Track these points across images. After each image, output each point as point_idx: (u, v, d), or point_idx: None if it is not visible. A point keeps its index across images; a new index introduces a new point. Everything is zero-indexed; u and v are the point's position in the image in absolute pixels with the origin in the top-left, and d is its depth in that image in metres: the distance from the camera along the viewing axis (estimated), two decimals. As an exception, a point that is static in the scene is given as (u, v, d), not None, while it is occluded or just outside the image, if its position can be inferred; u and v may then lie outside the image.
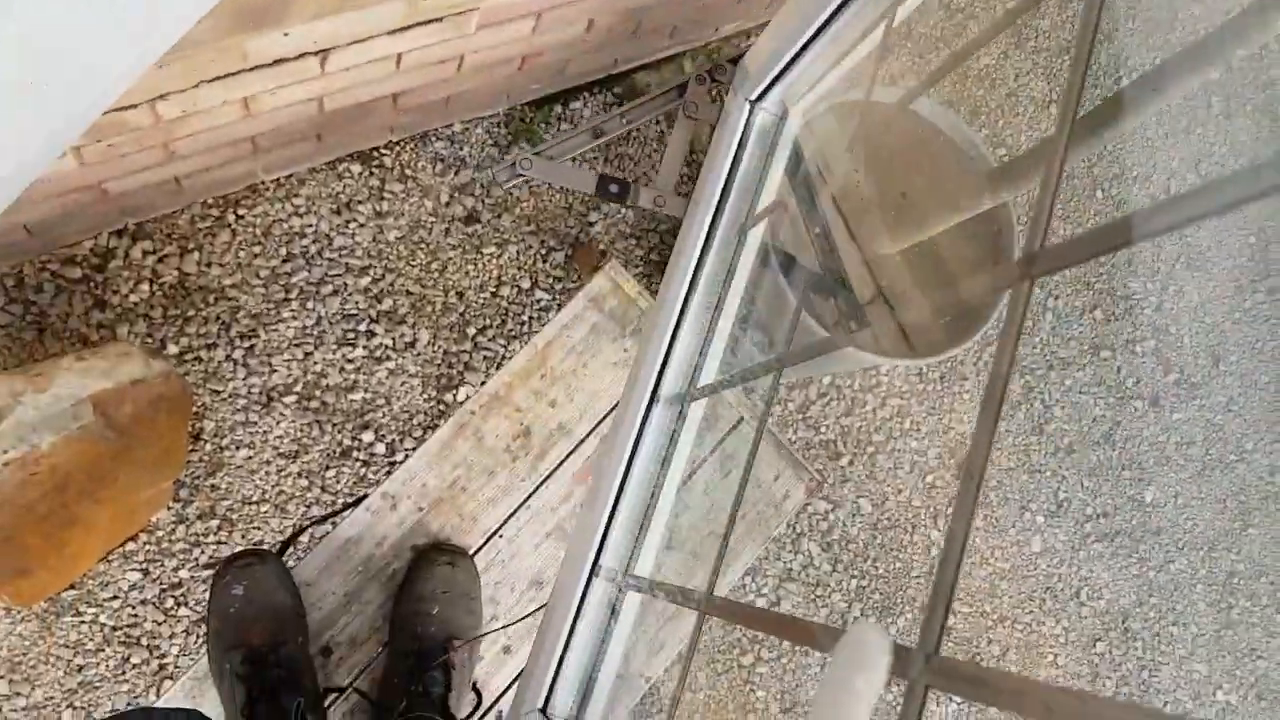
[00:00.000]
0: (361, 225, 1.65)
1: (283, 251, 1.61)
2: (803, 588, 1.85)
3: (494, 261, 1.69)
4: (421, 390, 1.65)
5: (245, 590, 1.09)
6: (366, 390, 1.63)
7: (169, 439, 1.40)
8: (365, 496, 1.21)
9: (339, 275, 1.63)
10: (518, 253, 1.70)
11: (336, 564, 1.15)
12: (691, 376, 0.77)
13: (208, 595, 1.15)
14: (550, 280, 1.72)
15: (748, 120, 0.68)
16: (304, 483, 1.58)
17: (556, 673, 0.72)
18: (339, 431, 1.60)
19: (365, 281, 1.64)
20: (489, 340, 1.69)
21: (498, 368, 1.69)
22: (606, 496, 0.76)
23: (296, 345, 1.60)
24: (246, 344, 1.58)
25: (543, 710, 0.72)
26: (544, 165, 0.78)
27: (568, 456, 1.25)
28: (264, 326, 1.59)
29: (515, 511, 1.24)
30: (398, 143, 1.67)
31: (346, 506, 1.21)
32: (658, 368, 0.76)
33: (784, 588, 1.82)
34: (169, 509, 1.51)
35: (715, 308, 0.78)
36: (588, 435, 1.26)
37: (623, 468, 0.76)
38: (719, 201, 0.70)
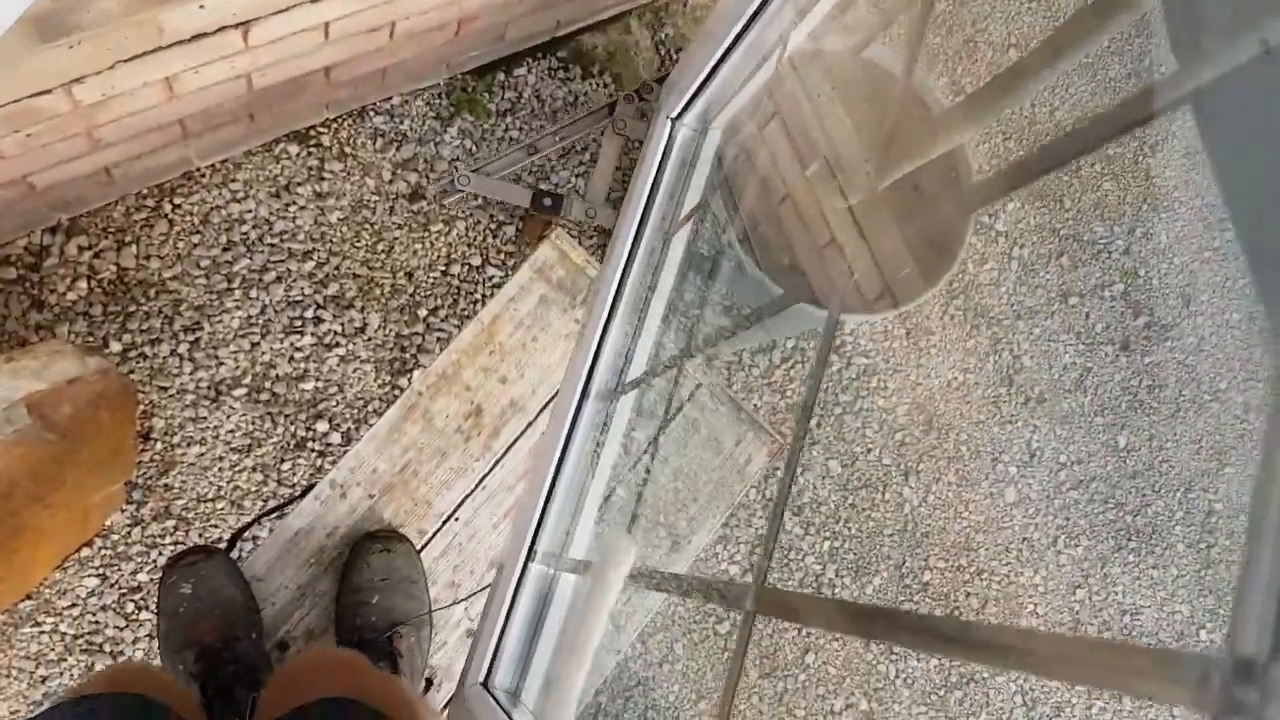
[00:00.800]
0: (302, 208, 1.60)
1: (223, 240, 1.56)
2: (776, 552, 1.82)
3: (442, 239, 1.65)
4: (375, 376, 1.61)
5: (193, 588, 1.05)
6: (318, 379, 1.58)
7: (115, 438, 1.36)
8: (313, 486, 1.17)
9: (282, 261, 1.59)
10: (466, 229, 1.65)
11: (288, 557, 1.11)
12: (621, 371, 0.75)
13: (155, 597, 1.12)
14: (502, 256, 1.68)
15: (670, 136, 0.72)
16: (259, 477, 1.54)
17: (497, 649, 0.71)
18: (292, 423, 1.56)
19: (309, 266, 1.60)
20: (441, 321, 1.65)
21: (449, 347, 1.65)
22: (541, 485, 0.75)
23: (242, 336, 1.56)
24: (191, 337, 1.53)
25: (484, 684, 0.72)
26: (481, 180, 0.80)
27: (521, 434, 1.22)
28: (208, 319, 1.54)
29: (470, 493, 1.20)
30: (335, 120, 1.62)
31: (293, 499, 1.17)
32: (588, 367, 0.77)
33: (755, 553, 1.80)
34: (122, 511, 1.47)
35: (642, 308, 0.79)
36: (541, 410, 1.23)
37: (555, 460, 0.75)
38: (644, 211, 0.73)
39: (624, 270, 0.78)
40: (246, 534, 1.40)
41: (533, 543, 0.74)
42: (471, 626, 1.18)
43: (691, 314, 1.56)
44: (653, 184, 0.76)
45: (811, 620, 0.38)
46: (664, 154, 0.74)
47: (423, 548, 1.17)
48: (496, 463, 1.21)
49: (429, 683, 1.12)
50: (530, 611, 0.72)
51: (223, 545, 1.14)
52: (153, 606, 1.47)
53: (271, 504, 1.52)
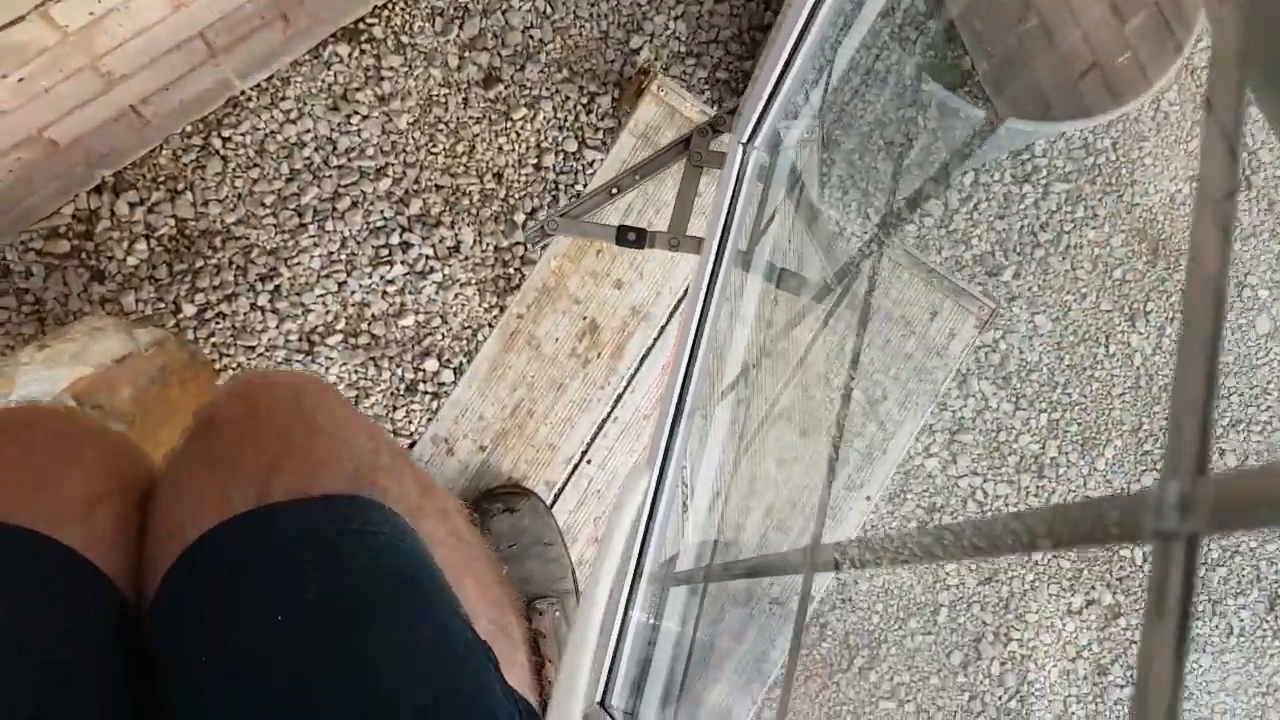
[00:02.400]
0: (365, 118, 1.36)
1: (284, 170, 1.35)
2: (981, 437, 1.53)
3: (528, 127, 1.38)
4: (479, 299, 1.38)
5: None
6: (417, 312, 1.37)
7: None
8: (413, 445, 0.96)
9: (354, 184, 1.36)
10: (554, 109, 1.38)
11: (394, 535, 0.90)
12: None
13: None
14: (600, 134, 1.40)
15: (742, 160, 0.77)
16: (372, 431, 1.36)
17: (611, 668, 0.53)
18: (397, 365, 1.36)
19: (385, 185, 1.37)
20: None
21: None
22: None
23: (326, 276, 1.36)
24: (269, 286, 1.34)
25: (601, 704, 0.55)
26: (569, 224, 0.73)
27: (650, 348, 0.97)
28: (284, 263, 1.35)
29: (600, 428, 0.97)
30: (383, 7, 1.36)
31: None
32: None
33: (957, 442, 1.50)
34: (229, 490, 1.32)
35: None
36: (670, 314, 0.97)
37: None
38: (723, 233, 0.76)
39: (708, 288, 0.64)
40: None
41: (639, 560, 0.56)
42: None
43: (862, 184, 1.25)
44: (729, 206, 0.77)
45: None
46: (737, 178, 0.78)
47: (553, 501, 0.95)
48: (626, 387, 0.97)
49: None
50: (642, 630, 0.55)
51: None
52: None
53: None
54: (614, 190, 0.86)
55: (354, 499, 0.50)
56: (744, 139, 0.77)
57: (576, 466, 0.96)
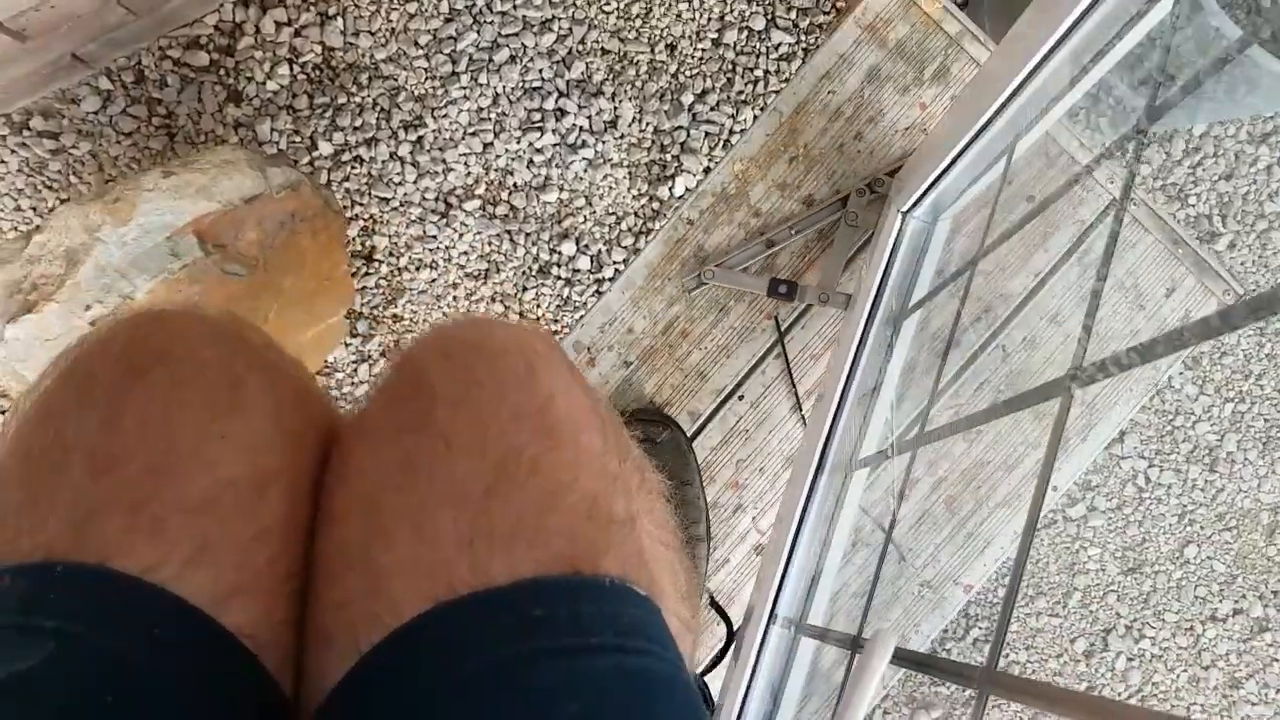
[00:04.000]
0: (537, -39, 1.22)
1: (444, 7, 1.23)
2: (1154, 417, 1.37)
3: (716, -5, 1.22)
4: (629, 184, 1.26)
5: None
6: (562, 188, 1.26)
7: (326, 264, 1.12)
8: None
9: (515, 35, 1.23)
10: (748, -22, 1.22)
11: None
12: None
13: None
14: (793, 15, 1.23)
15: (900, 228, 0.76)
16: (499, 308, 1.27)
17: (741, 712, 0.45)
18: (534, 243, 1.26)
19: (549, 41, 1.24)
20: (712, 110, 1.25)
21: (725, 148, 1.25)
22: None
23: (473, 134, 1.25)
24: (413, 136, 1.24)
25: None
26: (725, 274, 0.62)
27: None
28: (431, 112, 1.24)
29: (759, 361, 0.85)
30: None
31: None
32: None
33: (1131, 418, 1.34)
34: (346, 346, 1.26)
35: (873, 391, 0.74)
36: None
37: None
38: (875, 297, 0.75)
39: (857, 350, 0.61)
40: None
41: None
42: (761, 541, 0.87)
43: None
44: (884, 271, 0.76)
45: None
46: (894, 245, 0.77)
47: (695, 434, 0.85)
48: (796, 320, 0.85)
49: (723, 617, 0.83)
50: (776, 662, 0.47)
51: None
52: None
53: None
54: (771, 243, 0.78)
55: (613, 588, 0.35)
56: (904, 208, 0.76)
57: (726, 400, 0.85)
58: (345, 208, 1.24)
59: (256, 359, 0.42)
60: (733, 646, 0.74)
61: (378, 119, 1.24)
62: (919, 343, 0.79)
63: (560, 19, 1.24)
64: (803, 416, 0.86)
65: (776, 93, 1.14)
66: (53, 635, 0.30)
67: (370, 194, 1.24)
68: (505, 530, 0.35)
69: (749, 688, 0.56)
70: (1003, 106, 0.59)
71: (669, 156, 1.26)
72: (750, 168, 0.84)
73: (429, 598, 0.33)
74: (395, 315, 1.27)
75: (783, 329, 0.86)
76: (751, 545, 0.87)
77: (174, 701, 0.31)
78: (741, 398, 0.86)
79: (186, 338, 0.40)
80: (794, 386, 0.86)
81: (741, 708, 0.52)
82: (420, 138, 1.25)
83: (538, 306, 1.27)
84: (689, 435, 0.86)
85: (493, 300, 1.27)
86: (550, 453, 0.37)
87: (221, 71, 1.21)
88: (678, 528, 0.49)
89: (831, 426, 0.71)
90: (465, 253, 1.26)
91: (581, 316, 0.89)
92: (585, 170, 1.25)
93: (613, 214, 1.26)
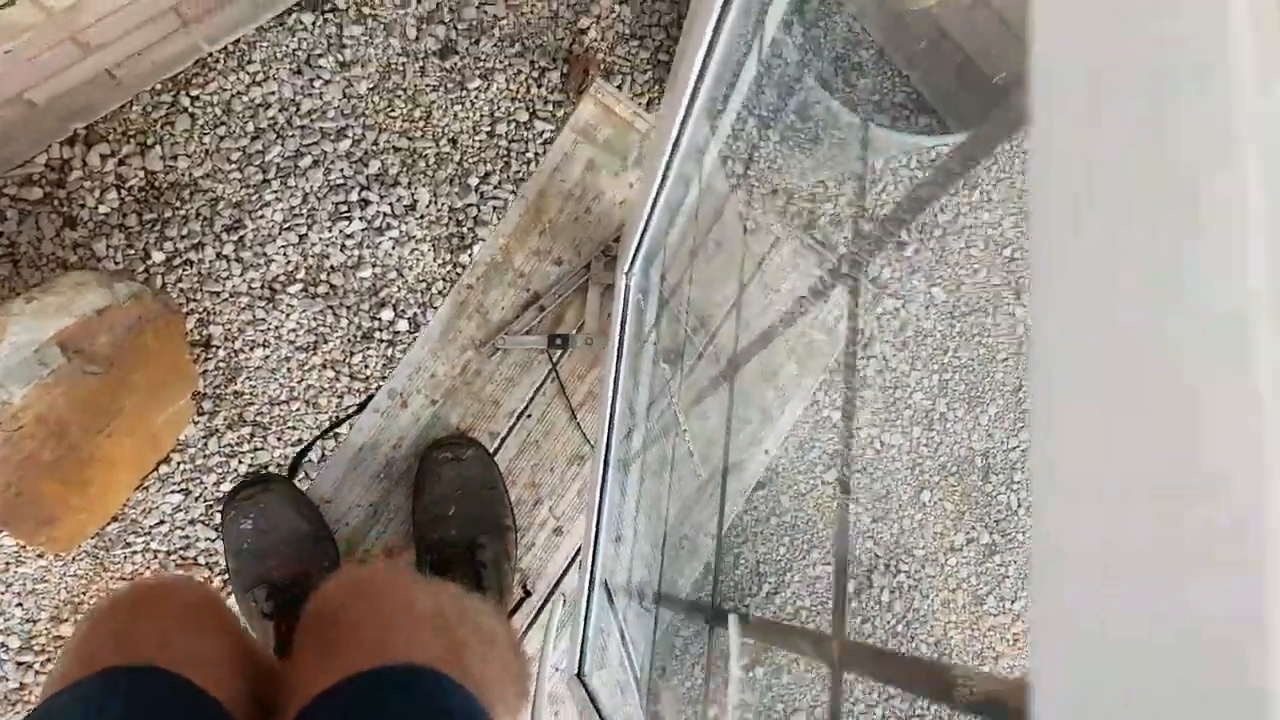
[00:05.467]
0: (327, 82, 1.46)
1: (249, 128, 1.44)
2: (880, 394, 1.70)
3: (482, 97, 1.49)
4: (434, 255, 1.50)
5: (254, 523, 1.00)
6: (374, 265, 1.49)
7: (167, 356, 1.30)
8: (370, 398, 1.09)
9: (316, 143, 1.46)
10: (506, 81, 1.49)
11: (354, 474, 1.05)
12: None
13: (220, 534, 1.08)
14: (550, 107, 1.51)
15: (626, 284, 0.92)
16: (330, 374, 1.48)
17: (584, 639, 0.67)
18: (355, 314, 1.48)
19: (346, 145, 1.47)
20: (495, 188, 1.51)
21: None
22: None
23: (288, 229, 1.46)
24: (235, 237, 1.44)
25: (578, 675, 0.68)
26: (513, 339, 0.94)
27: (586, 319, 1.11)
28: (249, 215, 1.45)
29: (540, 386, 1.11)
30: (346, -23, 1.45)
31: (349, 415, 1.09)
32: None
33: (860, 396, 1.68)
34: (194, 424, 1.44)
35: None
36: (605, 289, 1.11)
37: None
38: (620, 332, 0.92)
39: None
40: (308, 455, 1.35)
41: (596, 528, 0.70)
42: (559, 525, 1.12)
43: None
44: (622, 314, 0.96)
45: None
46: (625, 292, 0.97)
47: (496, 450, 1.09)
48: (564, 353, 1.11)
49: (525, 591, 1.07)
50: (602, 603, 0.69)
51: (283, 472, 1.08)
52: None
53: (356, 401, 1.47)
54: (542, 307, 1.07)
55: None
56: (625, 269, 1.00)
57: (518, 420, 1.10)
58: (182, 305, 1.42)
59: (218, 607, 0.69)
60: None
61: (202, 226, 1.43)
62: (659, 355, 1.06)
63: (353, 126, 1.47)
64: (578, 424, 1.12)
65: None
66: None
67: (202, 290, 1.43)
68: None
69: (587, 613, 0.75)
70: (669, 163, 0.80)
71: (464, 229, 1.51)
72: (510, 241, 1.10)
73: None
74: (236, 391, 1.46)
75: (555, 361, 1.12)
76: (551, 529, 1.12)
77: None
78: (529, 415, 1.11)
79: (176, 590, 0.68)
80: (568, 401, 1.12)
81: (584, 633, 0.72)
82: (241, 237, 1.45)
83: (365, 367, 1.49)
84: (491, 451, 1.10)
85: (324, 367, 1.48)
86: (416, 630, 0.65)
87: (56, 201, 1.38)
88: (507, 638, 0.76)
89: (610, 429, 0.94)
90: (293, 329, 1.47)
91: (405, 350, 1.12)
92: (394, 247, 1.48)
93: (423, 281, 1.50)
